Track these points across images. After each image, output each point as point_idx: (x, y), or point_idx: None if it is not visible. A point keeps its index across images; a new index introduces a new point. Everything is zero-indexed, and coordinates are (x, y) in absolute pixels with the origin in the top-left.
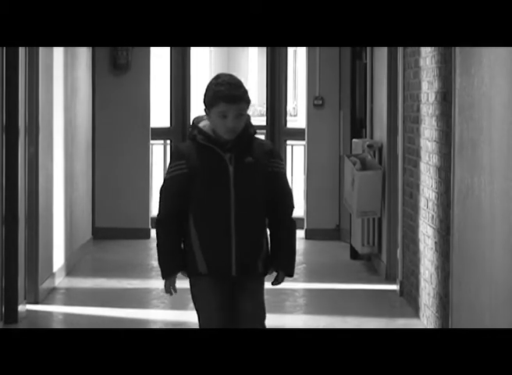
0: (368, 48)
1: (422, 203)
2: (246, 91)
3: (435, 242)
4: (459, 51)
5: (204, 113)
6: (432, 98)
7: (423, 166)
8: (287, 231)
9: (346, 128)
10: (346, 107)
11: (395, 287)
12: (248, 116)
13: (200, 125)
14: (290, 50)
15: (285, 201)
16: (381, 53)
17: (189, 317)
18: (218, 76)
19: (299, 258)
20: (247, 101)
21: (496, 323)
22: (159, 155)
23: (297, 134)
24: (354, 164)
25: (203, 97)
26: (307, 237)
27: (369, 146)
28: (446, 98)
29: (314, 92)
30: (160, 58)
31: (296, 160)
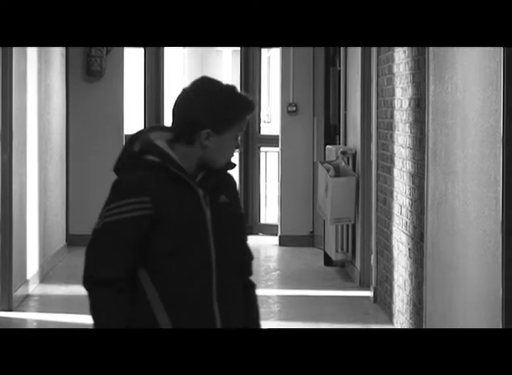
0: (342, 55)
1: (396, 209)
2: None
3: (409, 248)
4: (432, 58)
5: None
6: (405, 104)
7: (397, 173)
8: (254, 289)
9: (319, 135)
10: (319, 114)
11: (369, 293)
12: None
13: (166, 149)
14: (264, 56)
15: (250, 253)
16: (354, 60)
17: None
18: (223, 87)
19: (273, 264)
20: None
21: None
22: None
23: (271, 141)
24: (328, 171)
25: (212, 115)
26: (281, 243)
27: (343, 152)
28: (419, 105)
29: (288, 99)
30: (133, 64)
31: (269, 167)
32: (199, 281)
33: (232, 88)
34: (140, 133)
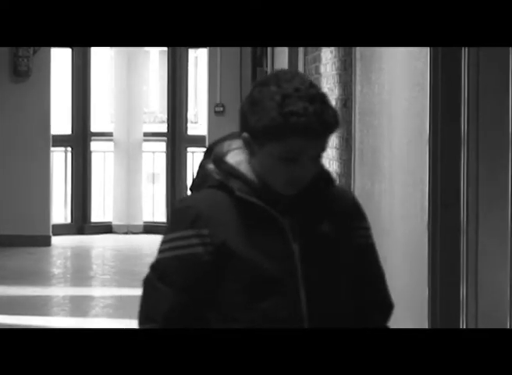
0: (269, 55)
1: None
2: (336, 114)
3: None
4: (359, 58)
5: (235, 132)
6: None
7: None
8: None
9: None
10: None
11: None
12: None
13: (232, 161)
14: (191, 56)
15: (386, 299)
16: (281, 60)
17: (90, 324)
18: (287, 80)
19: None
20: (336, 130)
21: None
22: (60, 163)
23: (198, 141)
24: None
25: (245, 116)
26: None
27: None
28: (346, 105)
29: (215, 99)
30: (61, 64)
31: (196, 167)
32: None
33: (291, 90)
34: (222, 139)
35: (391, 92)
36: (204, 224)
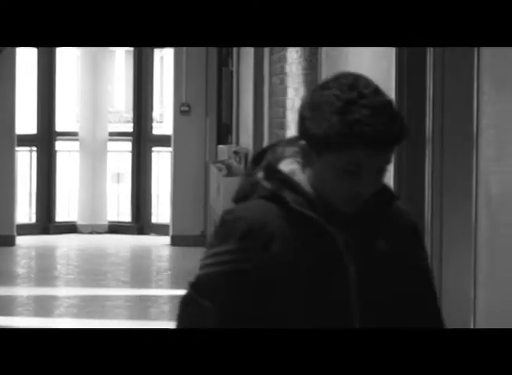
0: (235, 55)
1: None
2: (403, 124)
3: None
4: (325, 58)
5: (286, 138)
6: (297, 104)
7: None
8: None
9: (212, 135)
10: (212, 113)
11: None
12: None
13: (286, 170)
14: (157, 55)
15: (436, 324)
16: (247, 60)
17: (53, 324)
18: (351, 85)
19: (164, 264)
20: (403, 141)
21: None
22: (25, 162)
23: (163, 141)
24: (220, 170)
25: (303, 122)
26: (173, 243)
27: (235, 152)
28: None
29: (181, 99)
30: (26, 64)
31: (162, 167)
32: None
33: (355, 96)
34: (273, 146)
35: None
36: (255, 238)
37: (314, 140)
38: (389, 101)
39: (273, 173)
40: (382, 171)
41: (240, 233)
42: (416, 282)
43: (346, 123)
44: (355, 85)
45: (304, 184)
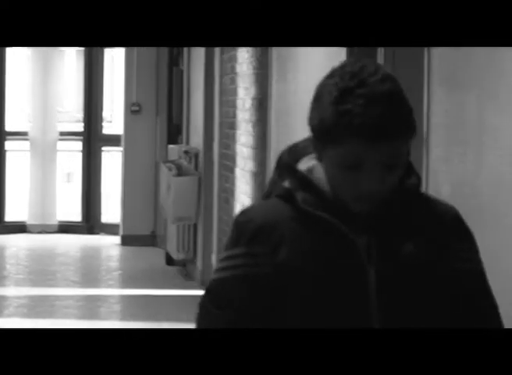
0: (186, 54)
1: (237, 209)
2: (409, 116)
3: None
4: (276, 58)
5: (308, 140)
6: (248, 104)
7: (239, 172)
8: None
9: (162, 134)
10: (163, 113)
11: None
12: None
13: (303, 167)
14: (108, 55)
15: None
16: (198, 59)
17: (2, 324)
18: (354, 72)
19: (115, 264)
20: (411, 135)
21: None
22: None
23: (114, 141)
24: (170, 170)
25: (310, 112)
26: (123, 243)
27: (185, 152)
28: (262, 104)
29: (132, 98)
30: None
31: (112, 166)
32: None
33: (355, 83)
34: (299, 142)
35: (308, 92)
36: (264, 241)
37: (313, 132)
38: (394, 91)
39: (289, 170)
40: (388, 167)
41: (248, 237)
42: (458, 289)
43: (338, 113)
44: (358, 73)
45: (322, 183)
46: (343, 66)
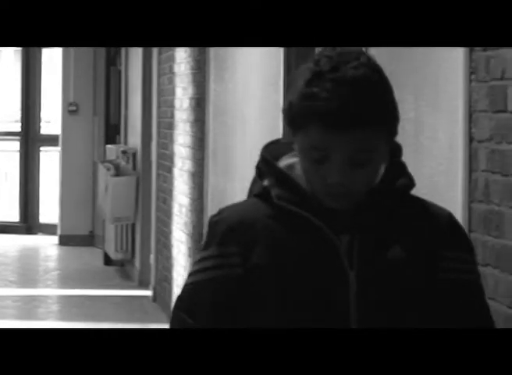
0: (123, 54)
1: (176, 209)
2: (384, 105)
3: (188, 248)
4: (213, 57)
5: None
6: (186, 104)
7: (177, 172)
8: None
9: (100, 134)
10: (100, 113)
11: (148, 292)
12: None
13: (283, 164)
14: (45, 55)
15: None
16: (136, 59)
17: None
18: (331, 56)
19: (52, 264)
20: (384, 126)
21: None
22: None
23: (51, 140)
24: (108, 170)
25: (286, 100)
26: (61, 243)
27: (123, 152)
28: (200, 104)
29: (69, 98)
30: None
31: (50, 166)
32: None
33: (333, 73)
34: (278, 139)
35: (244, 91)
36: (236, 241)
37: (284, 118)
38: (368, 78)
39: (268, 167)
40: (358, 160)
41: (219, 237)
42: (448, 302)
43: (303, 97)
44: (335, 57)
45: (302, 179)
46: (322, 51)
